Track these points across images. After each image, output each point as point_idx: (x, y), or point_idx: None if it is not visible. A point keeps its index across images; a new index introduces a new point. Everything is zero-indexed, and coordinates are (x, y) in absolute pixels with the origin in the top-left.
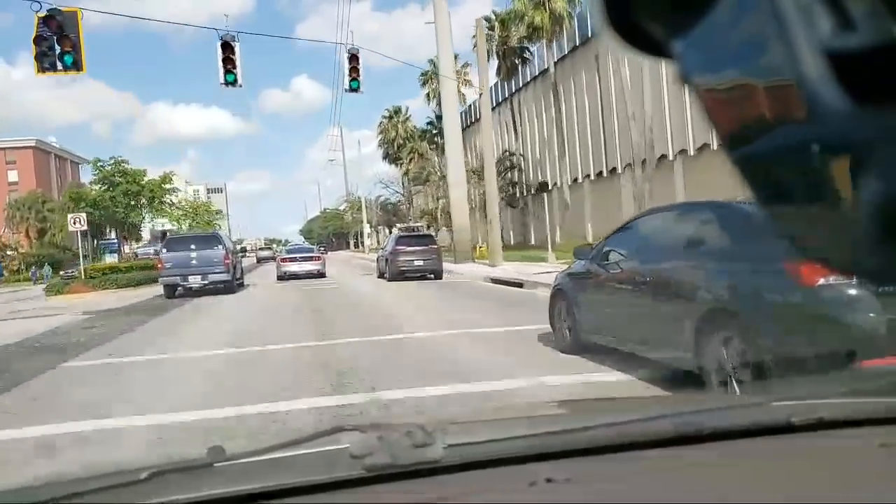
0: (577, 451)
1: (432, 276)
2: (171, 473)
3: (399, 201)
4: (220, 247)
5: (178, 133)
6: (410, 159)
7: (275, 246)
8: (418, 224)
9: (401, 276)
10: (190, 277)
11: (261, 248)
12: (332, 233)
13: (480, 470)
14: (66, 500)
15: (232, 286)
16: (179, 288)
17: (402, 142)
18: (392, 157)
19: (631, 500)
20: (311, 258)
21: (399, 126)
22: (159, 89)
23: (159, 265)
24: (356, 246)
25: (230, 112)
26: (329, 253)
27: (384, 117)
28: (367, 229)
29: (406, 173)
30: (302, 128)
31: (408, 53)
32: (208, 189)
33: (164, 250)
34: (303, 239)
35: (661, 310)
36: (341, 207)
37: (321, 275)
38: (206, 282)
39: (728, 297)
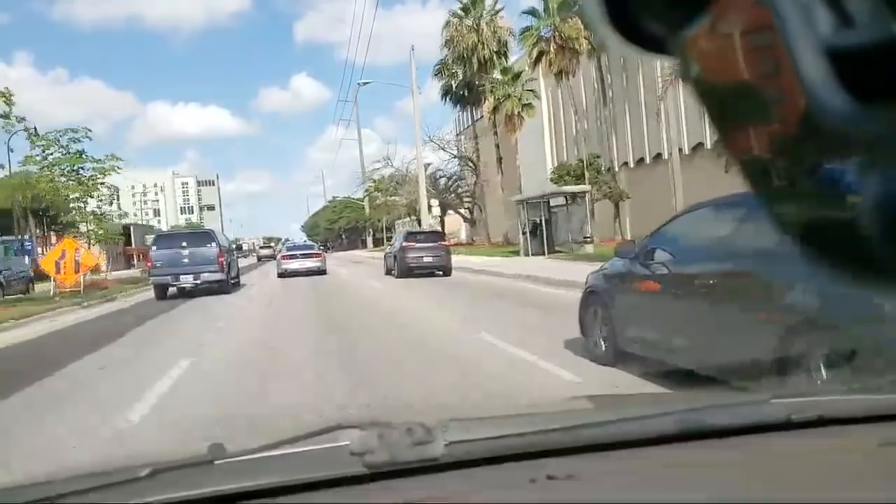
0: (579, 448)
1: (441, 272)
2: (172, 471)
3: (455, 174)
4: (214, 244)
5: (178, 132)
6: (539, 54)
7: (273, 245)
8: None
9: (410, 272)
10: (181, 277)
11: (261, 247)
12: (343, 227)
13: (481, 467)
14: (68, 499)
15: (226, 286)
16: (172, 288)
17: (488, 55)
18: (461, 94)
19: (632, 498)
20: (311, 255)
21: (483, 28)
22: (158, 89)
23: (149, 264)
24: (377, 243)
25: (230, 111)
26: (338, 252)
27: (454, 16)
28: (430, 210)
29: (495, 109)
30: (302, 127)
31: (408, 52)
32: (198, 182)
33: (155, 248)
34: (304, 236)
35: (731, 320)
36: (356, 194)
37: (321, 272)
38: (198, 281)
39: (825, 305)
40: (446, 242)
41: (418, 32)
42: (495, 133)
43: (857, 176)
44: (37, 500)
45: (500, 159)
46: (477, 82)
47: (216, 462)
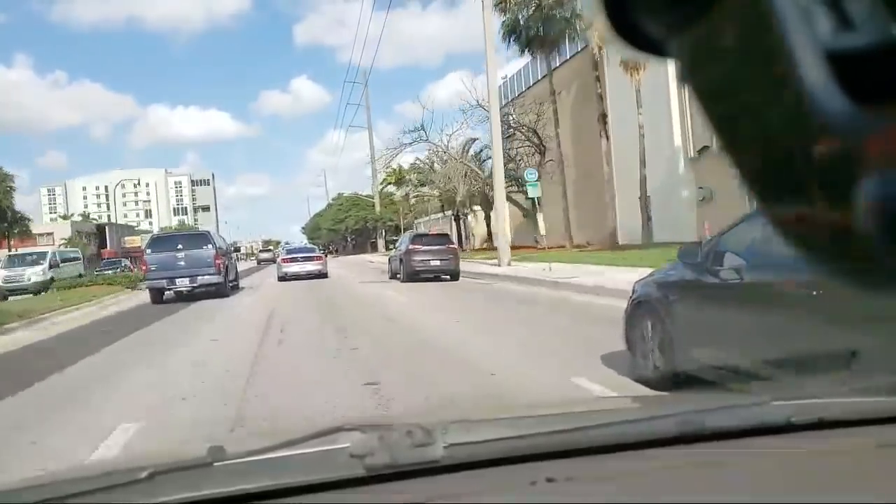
0: (578, 450)
1: (448, 277)
2: (171, 473)
3: (507, 153)
4: (210, 246)
5: (178, 135)
6: None
7: (273, 248)
8: None
9: (416, 276)
10: (177, 280)
11: (261, 251)
12: (350, 228)
13: (481, 469)
14: (68, 500)
15: (224, 289)
16: (168, 292)
17: None
18: (533, 33)
19: (632, 500)
20: (311, 258)
21: None
22: (158, 91)
23: (143, 267)
24: (389, 247)
25: (230, 114)
26: (343, 256)
27: None
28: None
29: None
30: (303, 131)
31: (409, 54)
32: (193, 181)
33: (149, 251)
34: (305, 238)
35: (843, 341)
36: (364, 190)
37: (322, 275)
38: (195, 285)
39: None
40: (454, 245)
41: (419, 34)
42: (597, 79)
43: (858, 177)
44: (37, 502)
45: (603, 116)
46: (559, 13)
47: (216, 464)
